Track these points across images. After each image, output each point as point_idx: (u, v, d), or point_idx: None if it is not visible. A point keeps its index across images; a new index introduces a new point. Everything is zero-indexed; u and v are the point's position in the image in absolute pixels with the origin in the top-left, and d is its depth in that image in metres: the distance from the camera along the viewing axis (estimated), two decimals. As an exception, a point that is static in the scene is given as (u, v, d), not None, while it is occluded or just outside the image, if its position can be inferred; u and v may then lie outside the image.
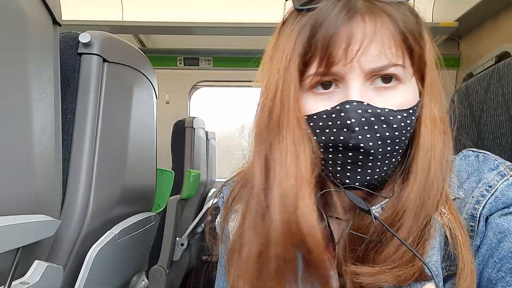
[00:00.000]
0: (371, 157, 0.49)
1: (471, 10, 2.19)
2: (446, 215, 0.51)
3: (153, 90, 1.25)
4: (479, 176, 0.54)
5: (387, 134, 0.49)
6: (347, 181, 0.51)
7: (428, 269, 0.41)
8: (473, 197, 0.53)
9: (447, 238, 0.51)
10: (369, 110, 0.48)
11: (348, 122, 0.48)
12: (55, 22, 0.72)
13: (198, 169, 2.22)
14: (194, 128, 2.21)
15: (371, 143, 0.48)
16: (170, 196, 1.68)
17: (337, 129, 0.49)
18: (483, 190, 0.52)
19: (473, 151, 0.57)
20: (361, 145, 0.48)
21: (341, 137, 0.49)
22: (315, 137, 0.51)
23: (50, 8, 0.69)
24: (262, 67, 0.56)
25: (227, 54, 2.88)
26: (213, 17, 2.50)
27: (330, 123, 0.50)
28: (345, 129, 0.49)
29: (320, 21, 0.48)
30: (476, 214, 0.52)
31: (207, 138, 2.61)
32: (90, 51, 0.86)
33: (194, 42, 2.88)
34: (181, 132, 2.21)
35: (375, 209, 0.53)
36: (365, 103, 0.48)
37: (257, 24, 2.28)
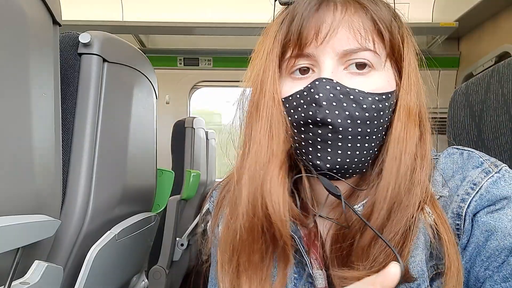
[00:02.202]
0: (340, 136, 0.50)
1: (471, 10, 2.19)
2: (430, 214, 0.51)
3: (153, 90, 1.25)
4: (463, 174, 0.53)
5: (357, 113, 0.50)
6: (318, 162, 0.52)
7: (394, 251, 0.42)
8: (458, 195, 0.52)
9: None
10: (338, 88, 0.50)
11: (317, 96, 0.50)
12: (55, 22, 0.72)
13: (198, 169, 2.22)
14: (194, 128, 2.21)
15: (339, 120, 0.50)
16: (170, 196, 1.67)
17: (307, 105, 0.51)
18: (468, 188, 0.52)
19: (457, 148, 0.57)
20: (329, 120, 0.50)
21: (310, 112, 0.51)
22: (289, 118, 0.54)
23: (50, 8, 0.69)
24: (251, 63, 0.59)
25: (227, 54, 2.87)
26: (213, 17, 2.51)
27: (302, 101, 0.52)
28: (313, 104, 0.50)
29: (296, 10, 0.53)
30: (462, 213, 0.51)
31: (207, 138, 2.61)
32: (90, 51, 0.86)
33: (194, 42, 2.88)
34: (181, 132, 2.20)
35: (358, 208, 0.53)
36: (335, 81, 0.50)
37: (257, 24, 2.28)
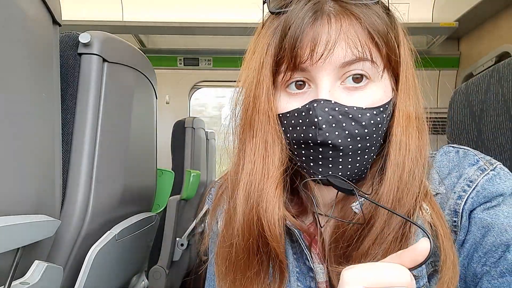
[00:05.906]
0: (341, 153, 0.51)
1: (471, 10, 2.19)
2: (427, 210, 0.52)
3: (153, 90, 1.25)
4: (459, 172, 0.54)
5: (356, 131, 0.50)
6: (319, 176, 0.52)
7: (422, 229, 0.41)
8: (454, 192, 0.53)
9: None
10: (337, 108, 0.50)
11: (315, 120, 0.49)
12: (55, 22, 0.72)
13: (198, 169, 2.22)
14: (194, 128, 2.21)
15: (339, 140, 0.50)
16: (170, 196, 1.68)
17: (306, 126, 0.51)
18: (464, 185, 0.53)
19: (453, 147, 0.58)
20: (329, 141, 0.50)
21: (310, 134, 0.51)
22: (287, 135, 0.53)
23: (50, 8, 0.69)
24: (243, 66, 0.58)
25: (227, 54, 2.87)
26: (213, 17, 2.51)
27: (300, 120, 0.52)
28: (313, 127, 0.50)
29: (289, 23, 0.50)
30: (459, 209, 0.52)
31: (207, 138, 2.61)
32: (90, 51, 0.86)
33: (194, 42, 2.88)
34: (181, 132, 2.21)
35: (355, 205, 0.54)
36: (333, 102, 0.50)
37: (257, 24, 2.28)
